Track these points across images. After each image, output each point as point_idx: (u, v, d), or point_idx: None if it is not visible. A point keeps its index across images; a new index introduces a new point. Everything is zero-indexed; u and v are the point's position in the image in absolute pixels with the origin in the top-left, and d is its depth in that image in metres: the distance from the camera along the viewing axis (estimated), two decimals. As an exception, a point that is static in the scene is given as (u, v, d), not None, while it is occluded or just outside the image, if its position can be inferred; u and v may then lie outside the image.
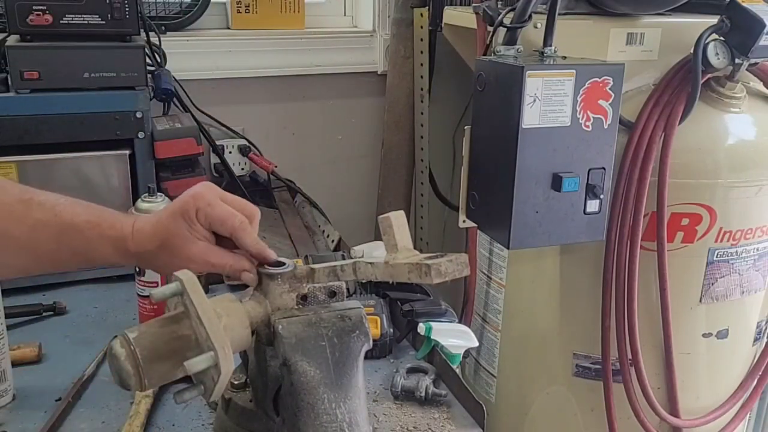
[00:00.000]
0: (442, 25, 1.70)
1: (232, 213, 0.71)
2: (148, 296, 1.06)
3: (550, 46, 1.18)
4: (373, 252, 1.03)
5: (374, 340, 0.80)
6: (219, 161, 1.70)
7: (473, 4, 1.43)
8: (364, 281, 1.14)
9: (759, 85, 1.31)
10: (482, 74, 1.18)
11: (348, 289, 0.77)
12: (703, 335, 1.34)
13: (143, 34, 1.46)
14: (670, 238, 1.25)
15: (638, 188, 1.22)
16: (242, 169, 1.75)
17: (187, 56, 1.64)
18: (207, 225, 0.71)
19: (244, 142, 1.74)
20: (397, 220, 0.67)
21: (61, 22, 1.24)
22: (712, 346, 1.36)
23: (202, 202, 0.71)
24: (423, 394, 0.98)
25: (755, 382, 1.44)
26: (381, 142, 1.88)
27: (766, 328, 1.45)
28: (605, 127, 1.15)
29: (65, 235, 0.71)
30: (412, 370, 1.04)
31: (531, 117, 1.10)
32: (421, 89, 1.81)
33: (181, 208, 0.71)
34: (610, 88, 1.13)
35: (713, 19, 1.22)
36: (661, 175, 1.21)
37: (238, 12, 1.76)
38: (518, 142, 1.10)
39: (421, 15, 1.76)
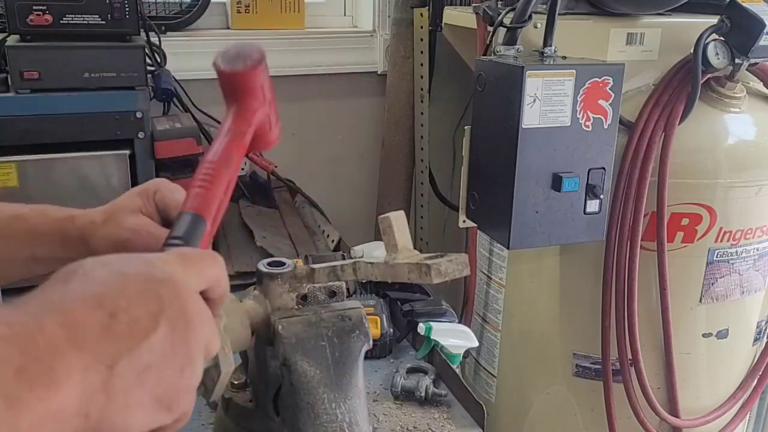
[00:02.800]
0: (442, 25, 1.70)
1: None
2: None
3: (550, 46, 1.18)
4: (373, 252, 1.03)
5: (374, 340, 0.80)
6: (219, 161, 1.70)
7: (473, 4, 1.43)
8: (364, 281, 1.14)
9: (759, 85, 1.31)
10: (482, 74, 1.18)
11: (348, 289, 0.77)
12: (703, 335, 1.34)
13: (143, 34, 1.46)
14: (670, 238, 1.25)
15: (638, 188, 1.22)
16: (242, 169, 1.75)
17: (187, 56, 1.64)
18: (162, 206, 0.70)
19: (244, 142, 1.74)
20: (397, 220, 0.67)
21: (61, 22, 1.24)
22: (712, 346, 1.35)
23: (163, 185, 0.70)
24: (423, 394, 0.98)
25: (755, 382, 1.44)
26: (381, 142, 1.88)
27: (766, 328, 1.45)
28: (605, 127, 1.15)
29: (9, 228, 0.68)
30: (412, 370, 1.04)
31: (531, 117, 1.10)
32: (421, 89, 1.81)
33: (140, 188, 0.71)
34: (610, 88, 1.13)
35: (713, 19, 1.22)
36: (661, 175, 1.21)
37: (238, 12, 1.76)
38: (518, 142, 1.10)
39: (421, 15, 1.76)
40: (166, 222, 0.69)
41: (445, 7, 1.69)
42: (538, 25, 1.21)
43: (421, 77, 1.80)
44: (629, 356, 1.30)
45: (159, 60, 1.55)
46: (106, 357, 0.36)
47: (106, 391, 0.36)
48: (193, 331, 0.41)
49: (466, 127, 1.25)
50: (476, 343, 1.06)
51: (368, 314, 0.82)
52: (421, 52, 1.79)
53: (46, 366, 0.33)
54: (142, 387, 0.38)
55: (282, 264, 0.72)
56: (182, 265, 0.44)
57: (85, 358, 0.35)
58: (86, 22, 1.26)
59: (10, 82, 1.23)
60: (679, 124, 1.21)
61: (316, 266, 0.71)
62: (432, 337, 1.03)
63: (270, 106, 0.60)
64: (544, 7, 1.21)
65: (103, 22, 1.26)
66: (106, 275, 0.40)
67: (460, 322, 1.15)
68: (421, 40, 1.78)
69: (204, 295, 0.46)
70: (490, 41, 1.29)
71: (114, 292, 0.38)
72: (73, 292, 0.38)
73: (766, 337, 1.45)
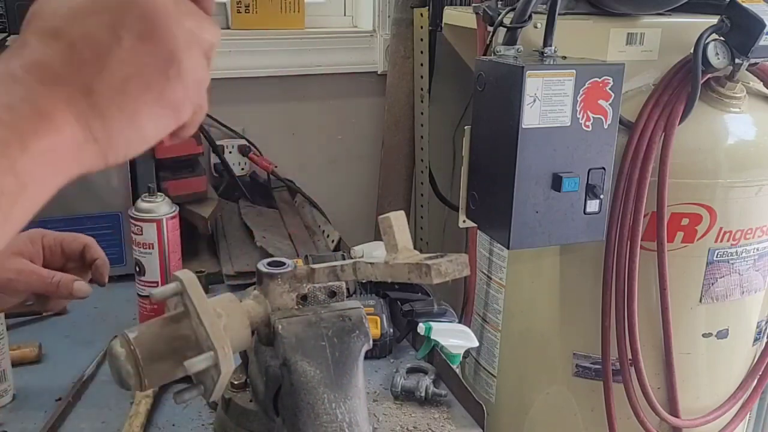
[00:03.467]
0: (442, 25, 1.70)
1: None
2: (148, 296, 1.06)
3: (550, 46, 1.18)
4: (373, 252, 1.03)
5: (374, 340, 0.80)
6: (219, 161, 1.70)
7: (473, 4, 1.43)
8: (364, 281, 1.14)
9: (759, 85, 1.31)
10: (482, 74, 1.18)
11: (348, 289, 0.77)
12: (703, 335, 1.34)
13: (143, 34, 1.46)
14: (670, 238, 1.25)
15: (638, 188, 1.22)
16: (242, 169, 1.75)
17: (187, 56, 1.63)
18: (57, 244, 0.75)
19: (244, 142, 1.74)
20: (397, 220, 0.67)
21: (61, 22, 1.24)
22: (712, 346, 1.36)
23: (47, 231, 0.76)
24: (423, 394, 0.98)
25: (755, 382, 1.44)
26: (381, 142, 1.88)
27: (766, 328, 1.45)
28: (605, 127, 1.15)
29: None
30: (412, 370, 1.04)
31: (531, 117, 1.10)
32: (421, 89, 1.81)
33: (25, 234, 0.74)
34: (610, 88, 1.13)
35: (713, 19, 1.22)
36: (661, 175, 1.21)
37: (238, 12, 1.76)
38: (518, 142, 1.10)
39: (421, 15, 1.76)
40: (54, 263, 0.80)
41: (445, 7, 1.69)
42: (538, 25, 1.21)
43: (421, 77, 1.80)
44: (629, 356, 1.30)
45: (159, 60, 1.54)
46: (80, 85, 0.36)
47: (97, 113, 0.36)
48: (163, 31, 0.40)
49: (466, 127, 1.25)
50: (476, 343, 1.06)
51: (368, 314, 0.82)
52: (421, 52, 1.79)
53: (31, 104, 0.34)
54: (132, 97, 0.38)
55: (282, 264, 0.72)
56: None
57: (62, 92, 0.35)
58: (86, 22, 1.25)
59: (10, 82, 1.23)
60: (679, 124, 1.21)
61: (316, 266, 0.71)
62: (432, 337, 1.03)
63: None
64: (544, 7, 1.21)
65: (103, 22, 1.26)
66: (55, 8, 0.39)
67: (460, 322, 1.15)
68: (421, 40, 1.78)
69: None
70: (490, 41, 1.29)
71: (65, 21, 0.38)
72: (31, 34, 0.38)
73: (766, 337, 1.45)
